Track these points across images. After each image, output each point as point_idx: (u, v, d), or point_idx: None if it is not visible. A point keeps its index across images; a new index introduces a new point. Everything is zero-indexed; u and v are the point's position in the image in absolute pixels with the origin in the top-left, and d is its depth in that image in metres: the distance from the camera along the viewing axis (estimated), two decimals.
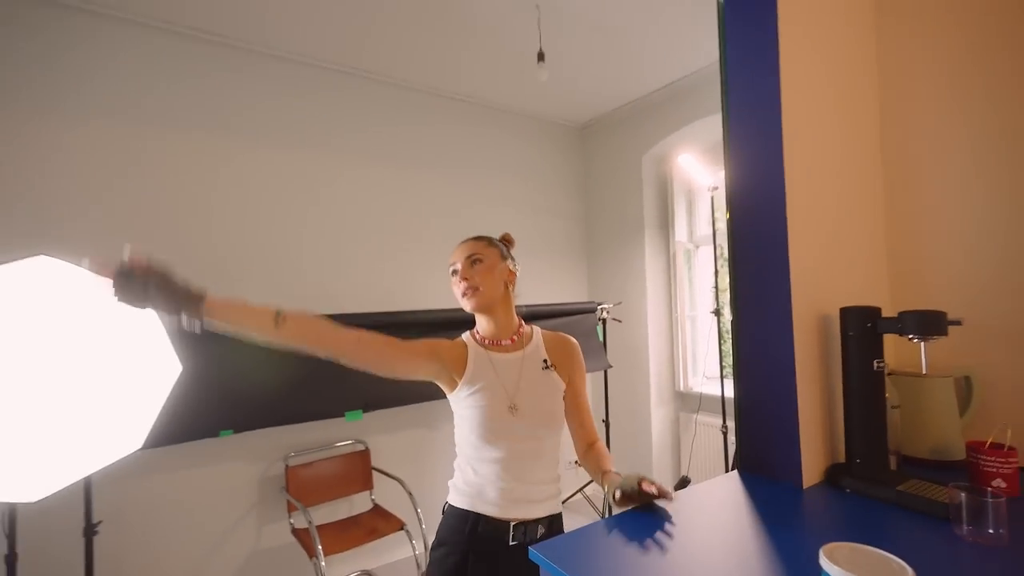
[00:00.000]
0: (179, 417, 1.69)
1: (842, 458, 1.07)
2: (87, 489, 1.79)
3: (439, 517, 1.20)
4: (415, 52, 2.54)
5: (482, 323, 1.22)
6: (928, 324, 0.96)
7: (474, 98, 3.15)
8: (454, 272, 1.20)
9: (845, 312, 1.06)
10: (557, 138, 3.61)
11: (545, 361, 1.20)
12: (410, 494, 2.36)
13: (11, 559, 1.54)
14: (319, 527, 2.19)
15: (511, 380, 1.17)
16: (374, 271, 2.80)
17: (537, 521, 1.14)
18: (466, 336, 1.24)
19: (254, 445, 2.39)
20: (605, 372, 3.14)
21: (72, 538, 1.79)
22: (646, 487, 0.93)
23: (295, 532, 2.34)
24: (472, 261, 1.18)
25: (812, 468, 1.05)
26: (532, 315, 2.78)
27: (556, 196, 3.58)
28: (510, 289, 1.23)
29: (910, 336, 0.97)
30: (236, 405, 2.04)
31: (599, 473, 1.14)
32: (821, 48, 1.20)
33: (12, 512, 1.54)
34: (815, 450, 1.07)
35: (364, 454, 2.65)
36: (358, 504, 2.62)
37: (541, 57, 2.14)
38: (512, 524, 1.11)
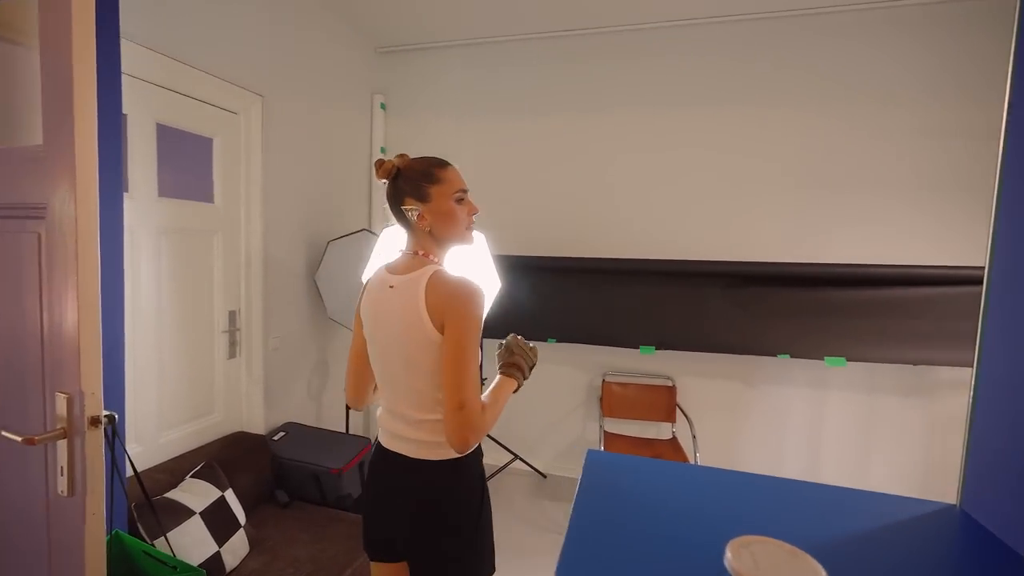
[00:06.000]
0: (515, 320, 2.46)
1: None
2: None
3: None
4: None
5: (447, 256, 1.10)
6: None
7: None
8: (460, 200, 1.02)
9: None
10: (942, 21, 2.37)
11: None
12: (694, 437, 2.47)
13: None
14: (619, 436, 2.63)
15: None
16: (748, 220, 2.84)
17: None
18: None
19: (583, 359, 3.02)
20: None
21: None
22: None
23: (603, 433, 2.88)
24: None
25: None
26: (864, 279, 2.21)
27: (949, 107, 2.41)
28: None
29: None
30: (558, 321, 2.69)
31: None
32: None
33: None
34: None
35: (670, 390, 2.87)
36: (664, 431, 2.90)
37: None
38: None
